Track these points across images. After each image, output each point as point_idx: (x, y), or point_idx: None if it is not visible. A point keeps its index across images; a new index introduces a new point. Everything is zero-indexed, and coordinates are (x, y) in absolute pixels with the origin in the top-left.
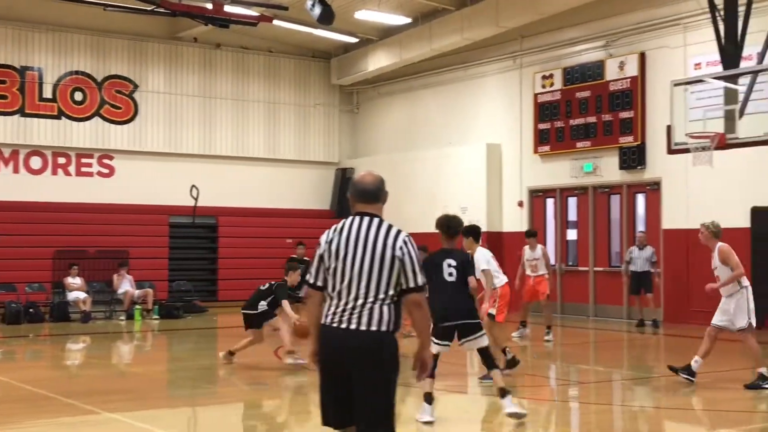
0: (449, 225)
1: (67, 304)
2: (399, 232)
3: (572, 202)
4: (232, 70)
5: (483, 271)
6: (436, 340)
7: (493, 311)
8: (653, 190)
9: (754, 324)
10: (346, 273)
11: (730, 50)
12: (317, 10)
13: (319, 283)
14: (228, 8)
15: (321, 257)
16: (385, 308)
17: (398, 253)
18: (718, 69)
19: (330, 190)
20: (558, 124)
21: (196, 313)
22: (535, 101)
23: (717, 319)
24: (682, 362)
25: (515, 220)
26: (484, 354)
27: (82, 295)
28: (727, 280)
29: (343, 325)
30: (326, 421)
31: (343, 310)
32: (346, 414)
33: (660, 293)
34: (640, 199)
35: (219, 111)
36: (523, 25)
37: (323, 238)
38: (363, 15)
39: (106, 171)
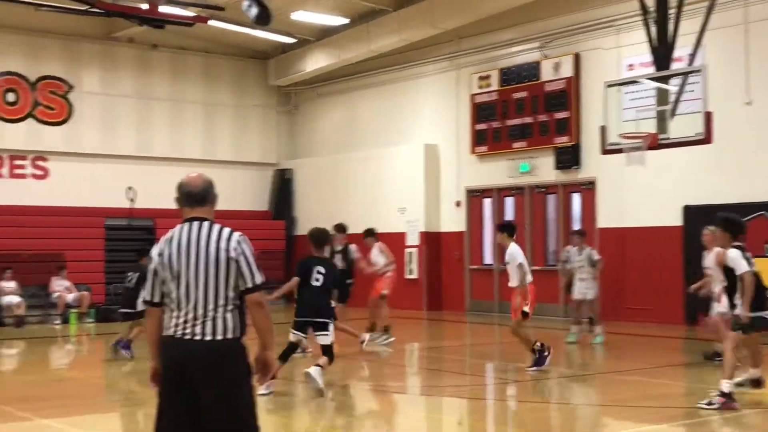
0: (317, 237)
1: (1, 308)
2: (232, 232)
3: (509, 201)
4: (168, 71)
5: (519, 265)
6: (294, 331)
7: (527, 308)
8: (588, 189)
9: None
10: (182, 282)
11: (662, 52)
12: (254, 11)
13: (156, 299)
14: (163, 9)
15: (155, 272)
16: (229, 315)
17: (232, 254)
18: (651, 70)
19: (268, 191)
20: (495, 125)
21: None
22: (473, 102)
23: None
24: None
25: (453, 221)
26: (325, 350)
27: (15, 299)
28: None
29: (187, 336)
30: None
31: (185, 321)
32: (189, 430)
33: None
34: (576, 199)
35: (155, 112)
36: (460, 27)
37: (154, 251)
38: (300, 16)
39: (40, 173)
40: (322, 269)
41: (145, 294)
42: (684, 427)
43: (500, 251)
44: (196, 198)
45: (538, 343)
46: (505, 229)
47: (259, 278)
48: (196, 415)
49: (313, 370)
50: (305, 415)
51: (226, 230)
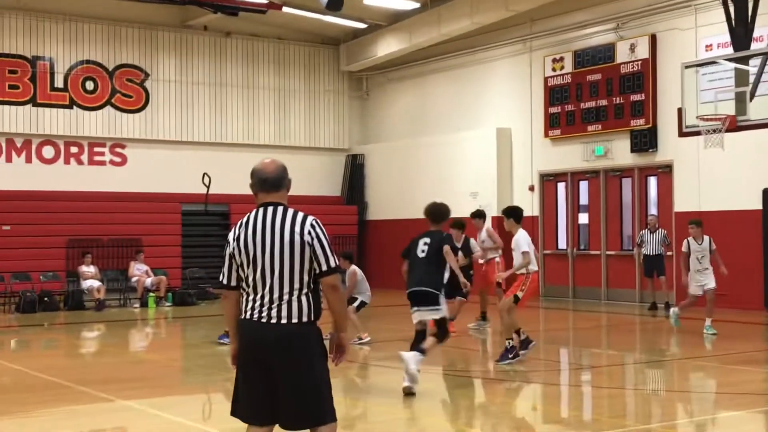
0: (432, 212)
1: (82, 292)
2: (306, 216)
3: (583, 185)
4: (242, 58)
5: (523, 253)
6: (413, 311)
7: (520, 294)
8: (665, 172)
9: None
10: (257, 266)
11: (741, 32)
12: None
13: (233, 283)
14: None
15: (231, 256)
16: (303, 298)
17: (307, 238)
18: (729, 51)
19: (341, 176)
20: (568, 108)
21: (209, 300)
22: (546, 85)
23: None
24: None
25: (526, 205)
26: (438, 325)
27: (96, 283)
28: None
29: (263, 319)
30: (240, 414)
31: (261, 304)
32: (265, 411)
33: (672, 276)
34: (652, 182)
35: (229, 99)
36: (533, 9)
37: (230, 236)
38: (372, 0)
39: (118, 159)
40: (427, 239)
41: (222, 278)
42: (763, 414)
43: (575, 234)
44: (271, 183)
45: (513, 339)
46: (511, 214)
47: (333, 262)
48: (273, 396)
49: (411, 356)
50: (381, 401)
51: (300, 214)
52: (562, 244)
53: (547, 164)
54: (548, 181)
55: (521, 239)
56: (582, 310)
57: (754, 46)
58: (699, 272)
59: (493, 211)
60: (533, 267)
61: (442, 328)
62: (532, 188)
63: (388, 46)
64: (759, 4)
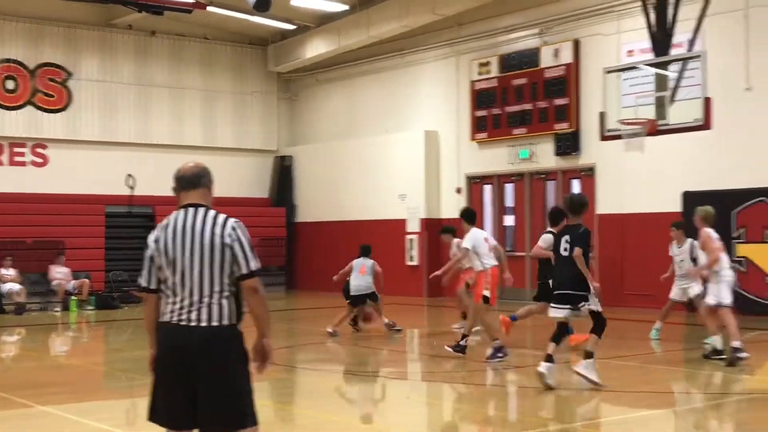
0: (570, 205)
1: (1, 295)
2: (227, 218)
3: (509, 188)
4: (167, 58)
5: (465, 249)
6: (553, 305)
7: (488, 293)
8: (588, 175)
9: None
10: (177, 269)
11: (661, 37)
12: None
13: (152, 286)
14: None
15: (151, 258)
16: (225, 301)
17: (227, 240)
18: (650, 56)
19: (269, 178)
20: (495, 111)
21: (133, 303)
22: (472, 88)
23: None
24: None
25: (453, 207)
26: (594, 318)
27: (16, 286)
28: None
29: (183, 322)
30: (159, 420)
31: (181, 307)
32: (185, 416)
33: (595, 277)
34: (575, 185)
35: (155, 99)
36: (460, 13)
37: (150, 238)
38: (300, 2)
39: (39, 160)
40: (568, 237)
41: (141, 280)
42: (679, 413)
43: (501, 236)
44: (188, 181)
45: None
46: (462, 216)
47: (254, 264)
48: (193, 401)
49: (582, 367)
50: (307, 404)
51: (222, 216)
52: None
53: (474, 167)
54: (475, 183)
55: (466, 238)
56: (507, 310)
57: (674, 52)
58: (680, 278)
59: (420, 213)
60: (489, 262)
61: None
62: (459, 190)
63: (316, 48)
64: (678, 11)
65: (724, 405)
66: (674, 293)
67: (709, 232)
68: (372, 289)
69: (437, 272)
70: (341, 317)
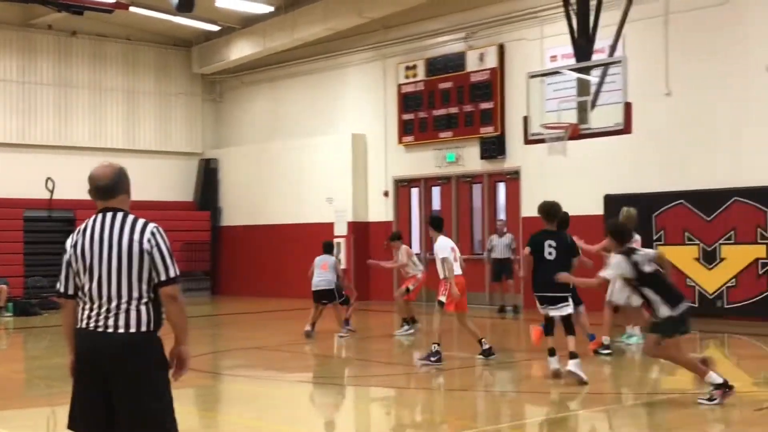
0: (547, 210)
1: None
2: (146, 223)
3: (436, 191)
4: (88, 59)
5: (443, 259)
6: (551, 306)
7: (443, 298)
8: (513, 179)
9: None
10: (94, 275)
11: (583, 43)
12: None
13: (70, 292)
14: None
15: (68, 263)
16: (143, 308)
17: (146, 246)
18: (573, 61)
19: (193, 181)
20: (421, 115)
21: (53, 309)
22: (399, 92)
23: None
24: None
25: (380, 210)
26: (566, 322)
27: None
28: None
29: (100, 329)
30: (77, 427)
31: (98, 314)
32: (102, 423)
33: (519, 280)
34: (501, 188)
35: (76, 100)
36: (386, 16)
37: (68, 243)
38: (224, 3)
39: None
40: (553, 243)
41: (59, 286)
42: (603, 413)
43: (427, 239)
44: (104, 191)
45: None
46: (431, 223)
47: (173, 271)
48: (110, 408)
49: (573, 366)
50: (231, 410)
51: (140, 221)
52: (415, 248)
53: (401, 170)
54: (402, 186)
55: (439, 247)
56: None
57: (596, 57)
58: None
59: (348, 216)
60: (457, 270)
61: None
62: (386, 194)
63: (241, 50)
64: (600, 17)
65: (646, 405)
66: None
67: None
68: (331, 287)
69: (377, 261)
70: (312, 316)
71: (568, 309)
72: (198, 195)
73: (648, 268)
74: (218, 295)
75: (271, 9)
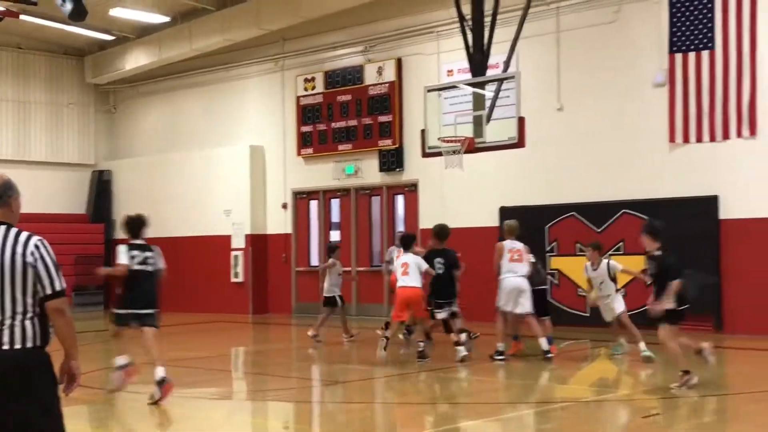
0: (438, 232)
1: None
2: (30, 236)
3: (335, 203)
4: None
5: (425, 270)
6: (436, 310)
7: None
8: (411, 191)
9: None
10: None
11: (478, 58)
12: (68, 6)
13: None
14: None
15: None
16: (28, 323)
17: (29, 259)
18: (468, 76)
19: (86, 193)
20: (320, 127)
21: None
22: (298, 104)
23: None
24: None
25: (279, 222)
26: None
27: None
28: None
29: None
30: None
31: None
32: None
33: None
34: (400, 200)
35: None
36: (285, 28)
37: None
38: (119, 12)
39: None
40: (441, 259)
41: None
42: (499, 422)
43: (326, 251)
44: None
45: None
46: (401, 242)
47: (59, 284)
48: (1, 426)
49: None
50: (123, 427)
51: (24, 234)
52: (314, 260)
53: (300, 182)
54: (301, 199)
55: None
56: (334, 325)
57: (490, 73)
58: (602, 299)
59: (246, 229)
60: (399, 282)
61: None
62: (285, 206)
63: (136, 60)
64: (494, 33)
65: (541, 413)
66: (605, 316)
67: (503, 244)
68: (332, 294)
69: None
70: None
71: (448, 312)
72: (91, 207)
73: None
74: (110, 310)
75: (167, 19)
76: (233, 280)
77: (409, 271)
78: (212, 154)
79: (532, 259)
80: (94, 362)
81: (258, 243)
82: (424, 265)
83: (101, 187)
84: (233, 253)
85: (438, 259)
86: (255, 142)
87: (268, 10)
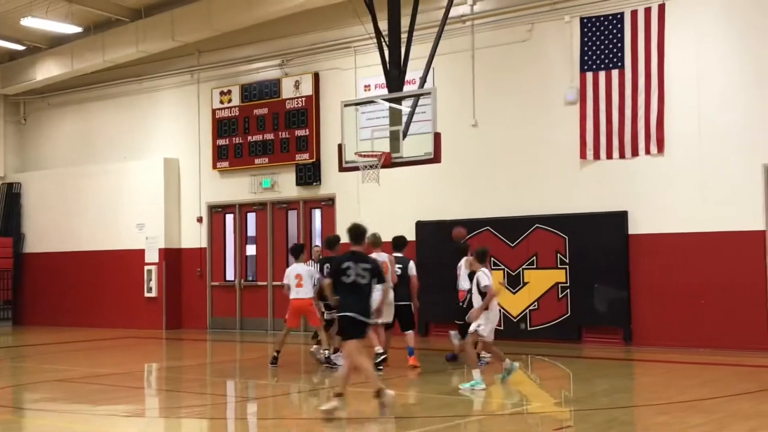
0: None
1: None
2: None
3: (251, 217)
4: None
5: (414, 275)
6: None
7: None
8: (328, 205)
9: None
10: None
11: (395, 74)
12: None
13: None
14: None
15: None
16: None
17: None
18: (385, 91)
19: None
20: (236, 141)
21: None
22: (214, 117)
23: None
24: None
25: (194, 237)
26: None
27: None
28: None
29: None
30: None
31: None
32: None
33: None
34: (317, 214)
35: None
36: (200, 41)
37: None
38: (30, 22)
39: None
40: (329, 265)
41: None
42: None
43: (243, 266)
44: None
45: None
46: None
47: None
48: None
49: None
50: None
51: None
52: (230, 275)
53: (216, 196)
54: (216, 212)
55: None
56: (249, 341)
57: (407, 88)
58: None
59: (160, 243)
60: (291, 294)
61: None
62: (200, 219)
63: (48, 70)
64: (411, 50)
65: (455, 427)
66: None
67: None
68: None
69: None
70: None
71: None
72: (1, 221)
73: None
74: (21, 326)
75: (80, 29)
76: (146, 294)
77: (303, 283)
78: (126, 166)
79: (399, 272)
80: (1, 379)
81: (172, 257)
82: (316, 275)
83: (11, 200)
84: (147, 267)
85: (327, 265)
86: (170, 155)
87: (182, 22)
